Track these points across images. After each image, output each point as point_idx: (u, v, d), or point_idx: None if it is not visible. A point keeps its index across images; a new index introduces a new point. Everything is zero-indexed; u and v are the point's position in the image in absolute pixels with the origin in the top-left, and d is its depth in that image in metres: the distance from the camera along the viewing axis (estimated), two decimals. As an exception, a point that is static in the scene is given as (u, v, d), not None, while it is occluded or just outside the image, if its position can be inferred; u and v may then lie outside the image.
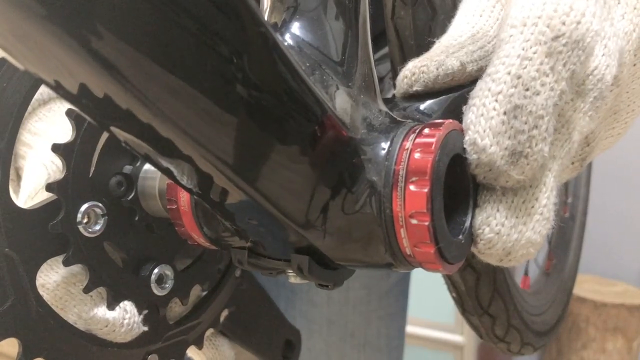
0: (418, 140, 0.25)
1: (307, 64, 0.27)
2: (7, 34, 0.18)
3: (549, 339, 0.66)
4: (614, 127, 0.32)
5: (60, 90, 0.20)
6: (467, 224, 0.27)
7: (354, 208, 0.25)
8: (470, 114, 0.26)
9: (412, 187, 0.24)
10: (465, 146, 0.26)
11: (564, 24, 0.25)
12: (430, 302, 1.72)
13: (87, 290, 0.30)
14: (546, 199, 0.27)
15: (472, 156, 0.26)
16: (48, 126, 0.33)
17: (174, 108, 0.20)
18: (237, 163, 0.23)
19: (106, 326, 0.32)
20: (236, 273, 0.40)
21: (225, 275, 0.39)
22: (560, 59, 0.25)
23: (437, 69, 0.29)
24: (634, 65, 0.30)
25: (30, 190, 0.32)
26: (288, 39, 0.28)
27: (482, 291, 0.53)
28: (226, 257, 0.38)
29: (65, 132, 0.31)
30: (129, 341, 0.33)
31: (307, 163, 0.24)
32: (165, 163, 0.23)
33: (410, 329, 0.86)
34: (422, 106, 0.32)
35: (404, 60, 0.39)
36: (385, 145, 0.26)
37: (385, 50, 0.45)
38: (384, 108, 0.29)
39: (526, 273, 0.70)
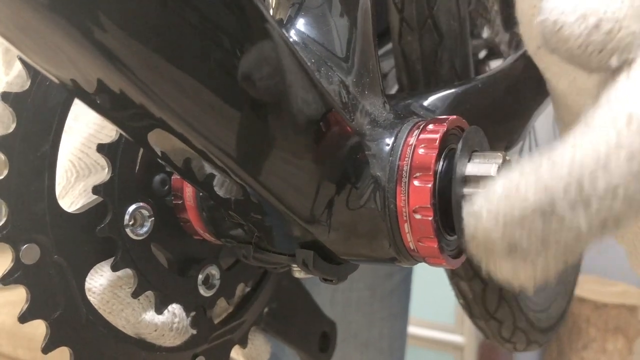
0: (422, 136, 0.25)
1: (313, 60, 0.27)
2: (11, 26, 0.18)
3: (553, 334, 0.67)
4: None
5: (61, 81, 0.20)
6: None
7: (359, 203, 0.26)
8: (501, 181, 0.20)
9: (416, 183, 0.24)
10: (465, 216, 0.20)
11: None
12: (430, 302, 1.72)
13: (135, 295, 0.29)
14: None
15: (469, 227, 0.20)
16: (73, 122, 0.32)
17: (180, 103, 0.21)
18: (243, 158, 0.23)
19: (155, 330, 0.31)
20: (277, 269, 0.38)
21: (267, 271, 0.38)
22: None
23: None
24: None
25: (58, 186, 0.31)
26: (293, 35, 0.28)
27: (489, 298, 0.53)
28: None
29: (88, 126, 0.30)
30: (180, 345, 0.32)
31: (312, 158, 0.25)
32: (169, 159, 0.24)
33: (410, 329, 0.86)
34: (426, 102, 0.33)
35: (412, 84, 0.39)
36: (389, 140, 0.26)
37: (389, 46, 0.46)
38: (388, 104, 0.29)
39: None
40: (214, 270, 0.33)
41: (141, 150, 0.29)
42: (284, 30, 0.28)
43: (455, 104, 0.33)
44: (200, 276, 0.32)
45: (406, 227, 0.25)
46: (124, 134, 0.22)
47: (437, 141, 0.25)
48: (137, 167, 0.29)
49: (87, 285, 0.29)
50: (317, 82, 0.24)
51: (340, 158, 0.26)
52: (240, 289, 0.36)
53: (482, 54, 0.61)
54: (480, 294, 0.52)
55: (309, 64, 0.26)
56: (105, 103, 0.20)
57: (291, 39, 0.28)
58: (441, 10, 0.38)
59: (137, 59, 0.19)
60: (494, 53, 0.60)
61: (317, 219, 0.26)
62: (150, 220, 0.29)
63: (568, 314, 0.73)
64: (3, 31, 0.19)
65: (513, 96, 0.40)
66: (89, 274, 0.29)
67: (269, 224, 0.27)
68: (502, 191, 0.20)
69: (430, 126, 0.26)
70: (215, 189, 0.26)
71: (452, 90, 0.35)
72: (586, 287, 1.97)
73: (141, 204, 0.29)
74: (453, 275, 0.53)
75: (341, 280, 0.29)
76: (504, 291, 0.53)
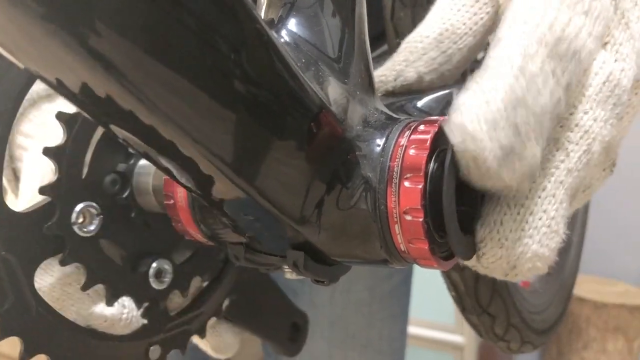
0: (413, 136, 0.25)
1: (303, 60, 0.27)
2: (5, 31, 0.18)
3: (549, 337, 0.67)
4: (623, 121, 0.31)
5: (59, 88, 0.20)
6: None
7: (349, 204, 0.25)
8: (465, 97, 0.23)
9: (406, 184, 0.24)
10: (447, 128, 0.23)
11: (563, 31, 0.24)
12: (430, 302, 1.72)
13: (84, 288, 0.31)
14: (554, 210, 0.25)
15: (456, 141, 0.22)
16: (39, 128, 0.33)
17: (168, 102, 0.21)
18: (231, 158, 0.23)
19: (105, 321, 0.32)
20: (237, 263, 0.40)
21: (226, 265, 0.39)
22: (560, 65, 0.24)
23: (395, 80, 0.29)
24: None
25: (29, 194, 0.32)
26: (284, 35, 0.28)
27: (482, 291, 0.53)
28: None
29: (56, 133, 0.31)
30: (130, 334, 0.34)
31: (303, 159, 0.25)
32: (161, 159, 0.23)
33: (410, 329, 0.86)
34: (420, 103, 0.32)
35: None
36: (380, 141, 0.26)
37: (385, 47, 0.46)
38: (380, 105, 0.29)
39: None
40: (166, 265, 0.34)
41: (89, 152, 0.31)
42: (274, 31, 0.27)
43: (450, 105, 0.33)
44: (151, 270, 0.34)
45: (397, 229, 0.25)
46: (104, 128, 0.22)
47: (428, 142, 0.24)
48: (87, 169, 0.30)
49: (37, 285, 0.30)
50: (307, 83, 0.24)
51: (331, 158, 0.25)
52: (197, 282, 0.37)
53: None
54: (472, 285, 0.52)
55: (299, 64, 0.26)
56: (92, 105, 0.20)
57: (282, 39, 0.28)
58: None
59: (126, 59, 0.19)
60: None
61: (307, 219, 0.26)
62: (98, 218, 0.31)
63: (565, 317, 0.73)
64: None
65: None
66: (38, 274, 0.30)
67: (259, 225, 0.27)
68: (471, 101, 0.23)
69: (422, 127, 0.25)
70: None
71: (447, 91, 0.35)
72: (586, 287, 1.97)
73: (89, 202, 0.30)
74: (464, 310, 0.53)
75: (332, 282, 0.28)
76: (497, 283, 0.53)
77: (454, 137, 0.23)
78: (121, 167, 0.33)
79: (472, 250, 0.26)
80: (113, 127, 0.22)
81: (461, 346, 1.88)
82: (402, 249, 0.25)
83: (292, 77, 0.23)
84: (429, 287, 1.32)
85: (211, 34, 0.20)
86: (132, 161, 0.33)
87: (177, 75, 0.20)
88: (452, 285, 0.54)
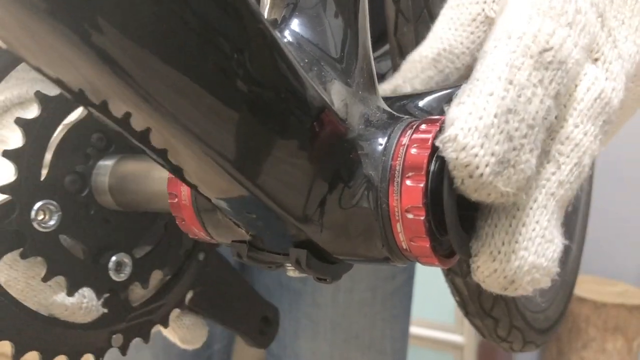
0: (415, 135, 0.25)
1: (306, 60, 0.27)
2: (8, 27, 0.19)
3: (551, 336, 0.67)
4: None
5: (60, 85, 0.20)
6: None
7: (351, 202, 0.26)
8: (455, 110, 0.23)
9: (408, 182, 0.24)
10: (439, 143, 0.23)
11: (547, 42, 0.24)
12: (430, 302, 1.72)
13: (45, 279, 0.33)
14: (547, 221, 0.25)
15: (449, 154, 0.23)
16: (11, 132, 0.36)
17: (171, 101, 0.21)
18: (235, 157, 0.23)
19: (66, 310, 0.35)
20: (199, 257, 0.42)
21: (188, 259, 0.42)
22: (547, 75, 0.24)
23: (392, 94, 0.29)
24: (637, 86, 0.29)
25: None
26: (287, 36, 0.28)
27: (485, 296, 0.53)
28: (186, 242, 0.41)
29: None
30: (92, 323, 0.36)
31: (305, 158, 0.25)
32: (164, 158, 0.24)
33: (410, 329, 0.86)
34: (421, 103, 0.33)
35: None
36: (382, 140, 0.26)
37: (386, 47, 0.46)
38: (382, 104, 0.29)
39: None
40: (125, 258, 0.37)
41: (49, 154, 0.33)
42: (277, 31, 0.28)
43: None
44: (110, 263, 0.36)
45: (398, 227, 0.25)
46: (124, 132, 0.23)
47: (430, 141, 0.25)
48: (47, 169, 0.33)
49: (2, 278, 0.33)
50: (309, 82, 0.24)
51: (333, 157, 0.26)
52: (159, 275, 0.40)
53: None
54: (475, 291, 0.52)
55: (302, 64, 0.26)
56: (100, 106, 0.21)
57: (285, 40, 0.28)
58: (437, 1, 0.38)
59: (131, 59, 0.19)
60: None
61: (310, 217, 0.26)
62: (57, 214, 0.33)
63: (566, 315, 0.73)
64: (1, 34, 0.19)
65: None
66: (5, 269, 0.33)
67: (262, 223, 0.27)
68: (462, 115, 0.23)
69: (423, 126, 0.26)
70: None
71: (449, 91, 0.35)
72: (586, 287, 1.97)
73: (48, 200, 0.33)
74: (448, 272, 0.53)
75: (335, 280, 0.29)
76: (514, 321, 0.53)
77: (447, 151, 0.23)
78: (80, 167, 0.35)
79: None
80: (113, 124, 0.22)
81: (461, 346, 1.88)
82: (404, 247, 0.25)
83: (295, 77, 0.24)
84: (429, 287, 1.32)
85: (215, 33, 0.20)
86: (90, 162, 0.35)
87: (181, 74, 0.20)
88: (456, 291, 0.54)
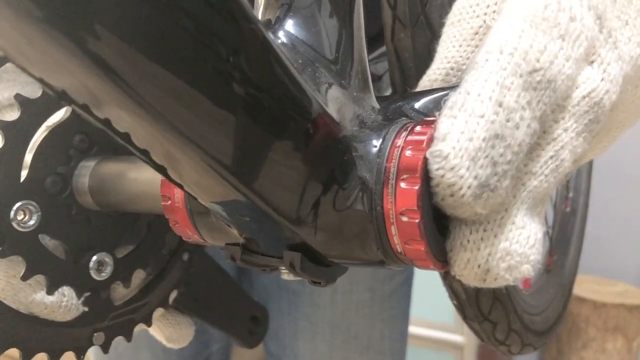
0: (409, 137, 0.25)
1: (300, 62, 0.27)
2: (5, 37, 0.18)
3: (549, 338, 0.67)
4: (602, 141, 0.30)
5: (53, 90, 0.20)
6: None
7: (345, 204, 0.25)
8: (447, 124, 0.23)
9: (402, 185, 0.24)
10: (429, 156, 0.23)
11: (538, 60, 0.24)
12: (430, 302, 1.72)
13: (24, 278, 0.33)
14: (523, 214, 0.25)
15: (435, 170, 0.23)
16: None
17: (164, 104, 0.21)
18: (227, 159, 0.23)
19: (45, 309, 0.35)
20: (184, 257, 0.42)
21: (171, 259, 0.42)
22: (535, 96, 0.24)
23: None
24: (637, 87, 0.29)
25: None
26: (282, 37, 0.28)
27: (483, 299, 0.53)
28: (170, 242, 0.41)
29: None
30: (74, 321, 0.36)
31: (299, 160, 0.25)
32: (157, 160, 0.24)
33: (410, 329, 0.86)
34: (417, 104, 0.32)
35: (404, 82, 0.39)
36: (377, 142, 0.26)
37: (383, 49, 0.45)
38: (377, 106, 0.29)
39: None
40: (107, 258, 0.37)
41: (29, 155, 0.33)
42: (271, 32, 0.27)
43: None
44: (91, 263, 0.36)
45: (393, 230, 0.25)
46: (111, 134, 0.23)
47: (425, 143, 0.24)
48: (27, 170, 0.33)
49: None
50: (304, 84, 0.24)
51: (328, 159, 0.25)
52: (142, 275, 0.40)
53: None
54: (473, 294, 0.52)
55: (296, 65, 0.26)
56: (89, 109, 0.20)
57: (279, 40, 0.28)
58: (434, 7, 0.38)
59: (122, 62, 0.19)
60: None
61: (304, 220, 0.26)
62: (37, 214, 0.33)
63: (566, 316, 0.73)
64: None
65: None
66: None
67: (256, 226, 0.27)
68: (454, 134, 0.23)
69: (418, 128, 0.25)
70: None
71: (444, 92, 0.35)
72: (585, 287, 1.97)
73: (27, 201, 0.33)
74: (446, 276, 0.53)
75: (329, 283, 0.28)
76: (497, 292, 0.53)
77: (435, 166, 0.23)
78: (62, 169, 0.35)
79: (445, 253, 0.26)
80: (107, 127, 0.22)
81: (461, 346, 1.88)
82: (399, 250, 0.25)
83: (289, 78, 0.23)
84: (429, 287, 1.32)
85: (207, 35, 0.20)
86: (72, 163, 0.35)
87: (173, 76, 0.20)
88: (454, 294, 0.54)
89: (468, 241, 0.25)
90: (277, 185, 0.25)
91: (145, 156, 0.23)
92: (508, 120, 0.23)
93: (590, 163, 0.94)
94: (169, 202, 0.30)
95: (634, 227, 2.12)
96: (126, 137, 0.22)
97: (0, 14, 0.17)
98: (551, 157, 0.26)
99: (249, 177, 0.24)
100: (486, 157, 0.23)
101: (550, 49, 0.25)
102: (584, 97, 0.26)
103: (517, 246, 0.25)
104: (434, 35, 0.38)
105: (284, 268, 0.28)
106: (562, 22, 0.25)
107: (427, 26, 0.38)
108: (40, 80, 0.20)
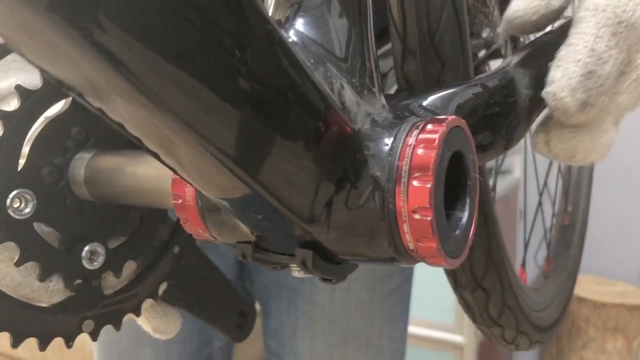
0: (421, 136, 0.25)
1: (312, 60, 0.27)
2: (9, 25, 0.18)
3: (546, 337, 0.66)
4: None
5: (57, 79, 0.20)
6: (464, 220, 0.27)
7: (358, 203, 0.26)
8: (556, 71, 0.34)
9: (415, 183, 0.24)
10: (544, 95, 0.34)
11: (624, 12, 0.33)
12: (430, 302, 1.73)
13: (17, 264, 0.34)
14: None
15: (551, 103, 0.34)
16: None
17: (178, 102, 0.21)
18: (241, 157, 0.23)
19: (32, 292, 0.36)
20: (174, 250, 0.43)
21: (162, 251, 0.42)
22: (622, 38, 0.33)
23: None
24: None
25: None
26: (292, 36, 0.28)
27: (476, 263, 0.53)
28: (162, 235, 0.42)
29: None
30: (64, 307, 0.37)
31: (311, 158, 0.25)
32: (169, 158, 0.24)
33: (410, 329, 0.86)
34: (425, 102, 0.33)
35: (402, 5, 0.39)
36: (388, 140, 0.26)
37: (389, 46, 0.46)
38: (387, 104, 0.29)
39: (523, 265, 0.70)
40: (99, 248, 0.37)
41: (26, 146, 0.34)
42: (282, 31, 0.28)
43: (455, 104, 0.33)
44: (83, 252, 0.37)
45: (405, 227, 0.25)
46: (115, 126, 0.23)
47: (437, 141, 0.25)
48: (25, 160, 0.34)
49: None
50: (316, 83, 0.24)
51: (340, 158, 0.26)
52: (133, 265, 0.41)
53: (482, 53, 0.61)
54: (483, 303, 0.52)
55: (307, 64, 0.26)
56: (98, 101, 0.20)
57: (290, 40, 0.28)
58: (443, 35, 0.39)
59: (135, 58, 0.19)
60: (493, 53, 0.60)
61: (316, 218, 0.26)
62: (32, 203, 0.34)
63: (567, 312, 0.73)
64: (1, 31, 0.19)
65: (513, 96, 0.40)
66: None
67: (268, 224, 0.27)
68: (560, 76, 0.34)
69: (430, 126, 0.26)
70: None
71: (452, 90, 0.35)
72: (586, 287, 1.97)
73: (23, 189, 0.33)
74: (457, 286, 0.53)
75: (340, 280, 0.29)
76: (492, 253, 0.53)
77: (549, 99, 0.34)
78: (58, 160, 0.36)
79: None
80: (116, 121, 0.22)
81: (461, 346, 1.88)
82: (411, 248, 0.25)
83: (302, 77, 0.23)
84: (429, 287, 1.33)
85: (221, 32, 0.20)
86: (69, 154, 0.36)
87: (186, 73, 0.20)
88: (465, 303, 0.54)
89: (565, 137, 0.36)
90: (289, 183, 0.25)
91: (162, 151, 0.23)
92: (599, 59, 0.33)
93: (590, 178, 0.96)
94: (180, 200, 0.30)
95: (634, 227, 2.13)
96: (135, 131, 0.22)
97: (3, 3, 0.17)
98: (634, 80, 0.36)
99: (262, 175, 0.24)
100: (583, 86, 0.33)
101: (632, 5, 0.34)
102: None
103: (600, 145, 0.37)
104: (443, 65, 0.39)
105: (294, 265, 0.28)
106: None
107: (437, 56, 0.39)
108: (41, 68, 0.20)
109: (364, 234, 0.26)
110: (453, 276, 0.54)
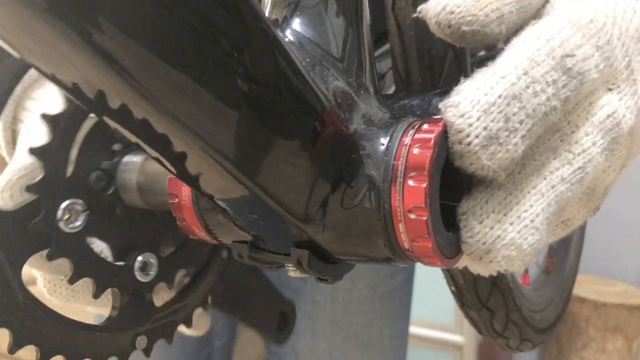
0: (417, 135, 0.25)
1: (308, 60, 0.27)
2: (8, 27, 0.18)
3: (548, 337, 0.66)
4: (621, 162, 0.31)
5: (58, 82, 0.20)
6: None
7: (353, 202, 0.26)
8: (466, 82, 0.25)
9: (410, 182, 0.24)
10: (441, 106, 0.25)
11: (572, 50, 0.26)
12: (430, 302, 1.72)
13: (71, 281, 0.32)
14: (540, 209, 0.26)
15: (447, 116, 0.25)
16: (46, 92, 0.35)
17: (174, 101, 0.21)
18: (237, 157, 0.23)
19: (84, 308, 0.35)
20: (223, 254, 0.41)
21: (211, 258, 0.41)
22: (563, 79, 0.26)
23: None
24: None
25: (21, 155, 0.33)
26: (289, 35, 0.28)
27: (481, 285, 0.53)
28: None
29: (58, 100, 0.32)
30: (117, 325, 0.35)
31: (307, 158, 0.25)
32: (165, 158, 0.24)
33: (410, 329, 0.86)
34: (422, 102, 0.33)
35: (404, 51, 0.39)
36: (384, 140, 0.26)
37: (387, 47, 0.46)
38: (384, 104, 0.29)
39: (526, 270, 0.70)
40: (151, 259, 0.36)
41: (74, 150, 0.32)
42: (279, 30, 0.28)
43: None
44: (136, 264, 0.35)
45: (401, 227, 0.25)
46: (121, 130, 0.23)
47: (432, 141, 0.25)
48: (74, 166, 0.32)
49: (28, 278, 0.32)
50: (312, 82, 0.24)
51: (335, 157, 0.26)
52: (182, 275, 0.39)
53: (482, 53, 0.61)
54: (472, 279, 0.52)
55: (303, 63, 0.26)
56: (94, 102, 0.20)
57: (287, 39, 0.28)
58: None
59: (132, 59, 0.19)
60: (493, 53, 0.60)
61: (312, 218, 0.26)
62: (84, 214, 0.32)
63: (566, 316, 0.73)
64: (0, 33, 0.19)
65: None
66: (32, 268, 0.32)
67: (263, 223, 0.27)
68: (470, 88, 0.25)
69: (425, 126, 0.26)
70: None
71: (448, 90, 0.35)
72: (586, 287, 1.97)
73: (74, 199, 0.31)
74: (462, 305, 0.53)
75: (337, 280, 0.29)
76: (496, 278, 0.53)
77: (447, 114, 0.25)
78: (106, 164, 0.34)
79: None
80: (114, 124, 0.22)
81: (461, 346, 1.88)
82: (406, 247, 0.25)
83: (298, 77, 0.23)
84: (429, 287, 1.32)
85: (217, 33, 0.20)
86: (116, 158, 0.34)
87: (182, 73, 0.20)
88: (452, 280, 0.54)
89: (487, 217, 0.26)
90: (285, 182, 0.25)
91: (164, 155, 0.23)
92: (528, 87, 0.25)
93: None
94: (177, 200, 0.30)
95: (634, 227, 2.12)
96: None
97: (3, 5, 0.17)
98: (579, 168, 0.27)
99: (258, 175, 0.24)
100: (500, 112, 0.24)
101: (586, 49, 0.26)
102: (608, 116, 0.28)
103: (524, 242, 0.26)
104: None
105: (290, 265, 0.28)
106: (601, 38, 0.27)
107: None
108: (39, 69, 0.20)
109: (359, 234, 0.26)
110: (459, 296, 0.54)
